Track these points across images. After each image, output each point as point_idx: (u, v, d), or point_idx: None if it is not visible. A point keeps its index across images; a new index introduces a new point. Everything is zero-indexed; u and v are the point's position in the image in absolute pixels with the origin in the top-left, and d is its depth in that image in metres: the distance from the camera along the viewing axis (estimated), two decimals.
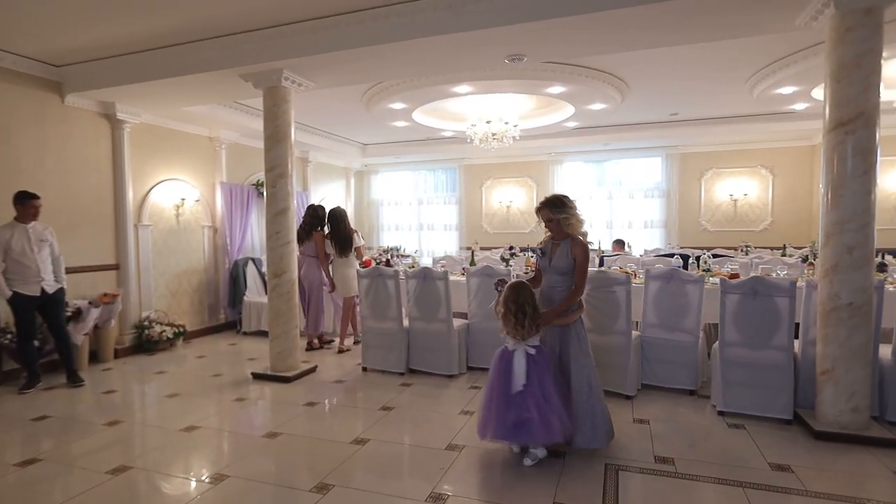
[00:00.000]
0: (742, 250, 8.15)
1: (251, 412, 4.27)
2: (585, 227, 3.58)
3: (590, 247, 3.72)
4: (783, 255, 7.93)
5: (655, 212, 10.46)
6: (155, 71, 5.04)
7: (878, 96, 3.50)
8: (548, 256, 3.57)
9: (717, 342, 4.10)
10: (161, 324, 6.33)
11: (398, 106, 6.92)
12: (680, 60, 5.70)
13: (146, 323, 6.25)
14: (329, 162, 10.99)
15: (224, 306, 7.54)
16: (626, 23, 3.97)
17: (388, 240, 11.95)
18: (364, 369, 5.29)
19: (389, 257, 6.19)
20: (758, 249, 8.60)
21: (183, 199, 6.94)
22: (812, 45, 5.36)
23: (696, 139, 9.64)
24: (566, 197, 3.57)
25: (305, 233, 6.10)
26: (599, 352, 4.08)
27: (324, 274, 6.23)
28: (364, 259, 6.74)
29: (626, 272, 4.75)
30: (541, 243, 3.70)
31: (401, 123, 8.03)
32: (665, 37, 4.29)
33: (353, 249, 6.05)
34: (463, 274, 5.80)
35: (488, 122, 7.13)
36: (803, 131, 8.95)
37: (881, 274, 5.11)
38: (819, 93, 6.73)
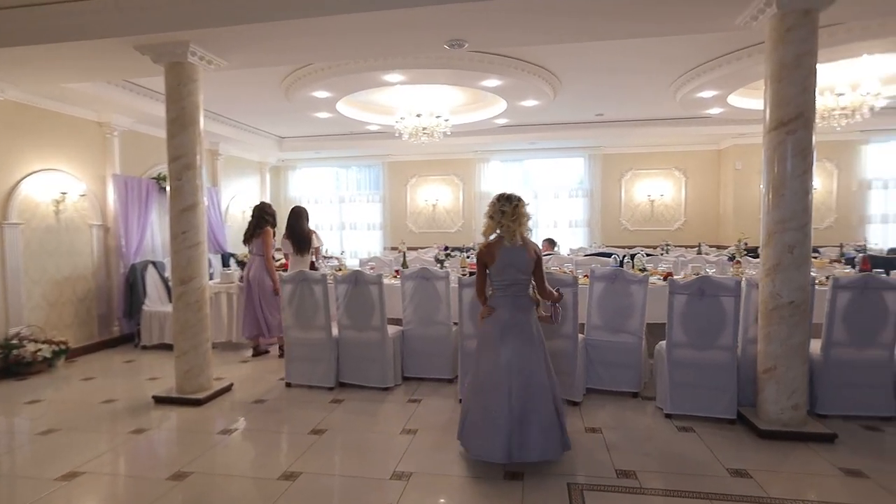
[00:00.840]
0: (662, 249, 8.42)
1: (153, 447, 3.60)
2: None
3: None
4: (699, 252, 8.30)
5: (579, 211, 10.64)
6: (18, 34, 4.07)
7: (815, 98, 3.56)
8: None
9: (663, 343, 4.04)
10: (36, 341, 5.34)
11: (322, 94, 6.36)
12: (611, 59, 5.68)
13: (15, 341, 5.24)
14: (242, 155, 10.09)
15: (119, 317, 6.57)
16: (567, 8, 3.74)
17: None
18: (288, 385, 4.73)
19: (314, 259, 5.64)
20: (674, 248, 8.95)
21: (64, 194, 5.92)
22: (732, 51, 5.53)
23: (617, 140, 9.89)
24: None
25: (253, 230, 5.79)
26: None
27: (268, 274, 5.71)
28: (282, 261, 6.17)
29: (565, 272, 4.61)
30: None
31: (323, 115, 7.45)
32: (602, 25, 4.08)
33: (310, 249, 5.66)
34: (396, 277, 5.39)
35: (419, 116, 6.76)
36: (713, 136, 9.46)
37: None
38: (735, 99, 7.06)
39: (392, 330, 4.69)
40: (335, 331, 4.69)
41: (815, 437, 3.49)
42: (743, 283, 3.90)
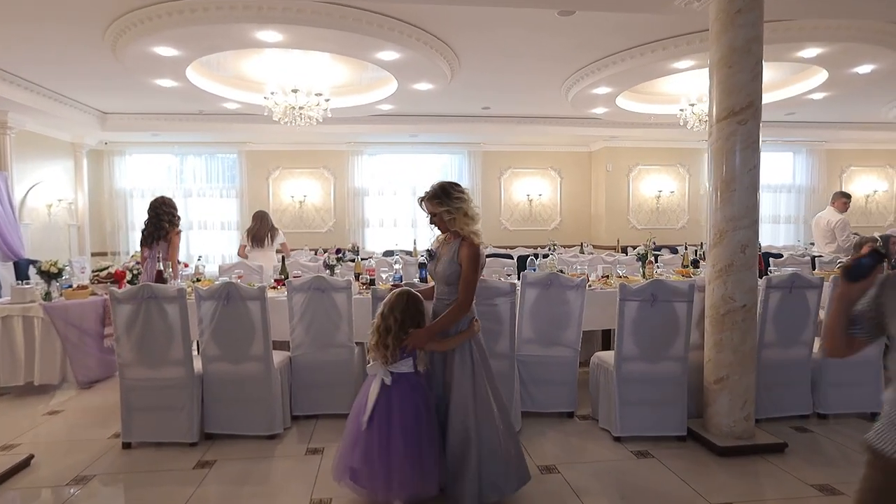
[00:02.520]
0: (550, 248, 8.29)
1: None
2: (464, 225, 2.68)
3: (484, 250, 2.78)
4: (581, 252, 8.33)
5: None
6: None
7: (761, 88, 3.35)
8: (435, 260, 2.78)
9: (602, 356, 3.60)
10: None
11: (167, 51, 4.88)
12: (515, 44, 5.21)
13: None
14: (46, 133, 7.82)
15: None
16: None
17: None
18: (127, 445, 3.36)
19: (161, 268, 4.23)
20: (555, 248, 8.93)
21: None
22: (632, 46, 5.40)
23: (499, 137, 9.62)
24: (452, 185, 2.74)
25: (157, 232, 4.86)
26: None
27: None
28: (114, 270, 4.68)
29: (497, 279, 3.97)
30: (435, 242, 2.72)
31: (167, 82, 5.87)
32: None
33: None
34: (277, 288, 4.27)
35: (295, 92, 5.63)
36: (586, 137, 9.64)
37: (696, 270, 5.41)
38: (622, 100, 7.10)
39: (277, 358, 3.60)
40: (198, 365, 3.46)
41: (767, 449, 3.28)
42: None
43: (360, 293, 4.15)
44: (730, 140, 3.30)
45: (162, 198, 5.04)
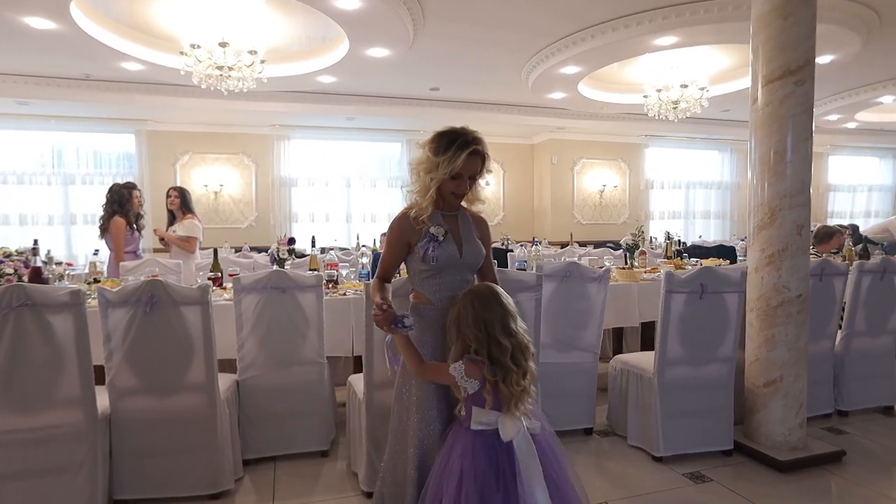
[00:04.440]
0: (533, 242, 7.72)
1: None
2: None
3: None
4: (533, 245, 7.83)
5: (398, 203, 9.36)
6: None
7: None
8: (452, 242, 1.93)
9: (630, 359, 3.02)
10: None
11: None
12: (489, 5, 4.55)
13: None
14: None
15: None
16: None
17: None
18: None
19: (39, 265, 3.01)
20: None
21: None
22: (609, 20, 4.95)
23: (443, 125, 8.88)
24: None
25: (104, 223, 4.63)
26: None
27: None
28: None
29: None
30: (422, 220, 1.91)
31: (43, 23, 4.46)
32: None
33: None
34: (218, 287, 3.23)
35: (223, 47, 4.53)
36: (530, 127, 9.15)
37: (681, 261, 5.04)
38: (583, 87, 6.70)
39: (222, 384, 2.61)
40: (104, 403, 2.38)
41: (827, 459, 2.85)
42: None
43: (326, 294, 3.24)
44: (784, 104, 2.82)
45: (118, 184, 4.78)
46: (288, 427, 2.85)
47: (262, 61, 4.81)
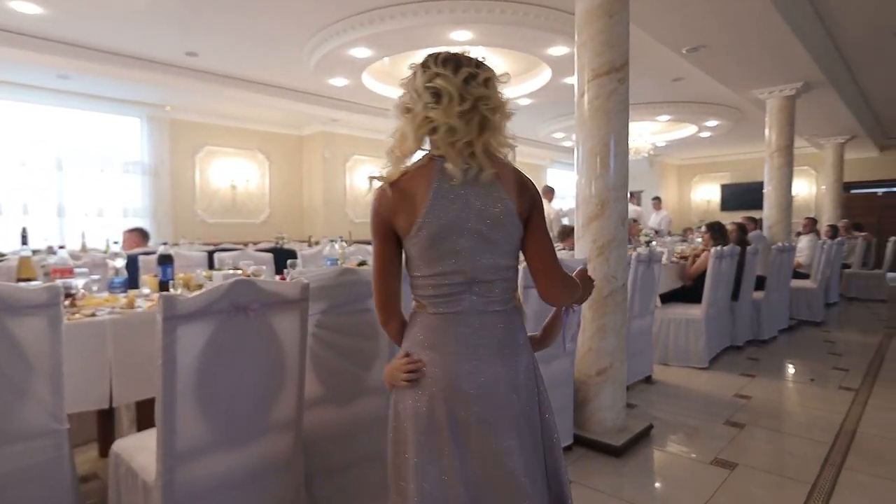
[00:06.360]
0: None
1: None
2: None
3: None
4: (310, 245, 7.14)
5: (139, 196, 7.45)
6: None
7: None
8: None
9: None
10: None
11: None
12: None
13: None
14: None
15: None
16: None
17: None
18: None
19: None
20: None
21: None
22: (396, 3, 4.71)
23: (195, 101, 7.45)
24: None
25: None
26: None
27: None
28: None
29: None
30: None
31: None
32: None
33: None
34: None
35: None
36: (301, 115, 8.36)
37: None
38: (367, 78, 6.34)
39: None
40: None
41: (644, 434, 3.07)
42: None
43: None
44: (610, 99, 2.93)
45: None
46: None
47: None
